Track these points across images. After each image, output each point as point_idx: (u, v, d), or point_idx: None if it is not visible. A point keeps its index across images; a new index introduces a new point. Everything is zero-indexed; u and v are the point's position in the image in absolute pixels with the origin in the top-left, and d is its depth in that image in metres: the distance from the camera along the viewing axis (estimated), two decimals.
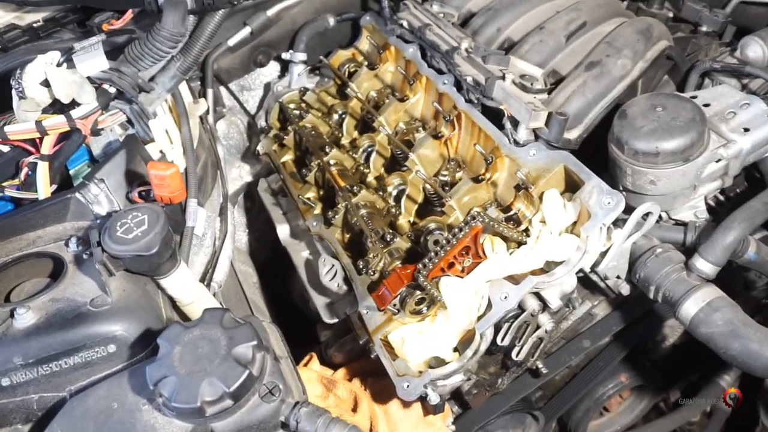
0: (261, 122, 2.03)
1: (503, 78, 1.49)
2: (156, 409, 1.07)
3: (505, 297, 1.32)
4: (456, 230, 1.33)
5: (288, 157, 1.94)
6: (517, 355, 1.42)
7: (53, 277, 1.34)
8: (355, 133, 1.92)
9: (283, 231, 1.92)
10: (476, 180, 1.52)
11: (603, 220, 1.26)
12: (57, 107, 1.53)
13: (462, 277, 1.36)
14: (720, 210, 1.56)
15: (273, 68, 2.10)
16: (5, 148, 1.59)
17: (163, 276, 1.32)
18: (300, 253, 1.86)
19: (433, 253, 1.34)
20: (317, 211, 1.74)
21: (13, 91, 1.41)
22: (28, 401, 1.18)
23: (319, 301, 1.72)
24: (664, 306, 1.66)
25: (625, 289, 1.46)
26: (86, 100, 1.42)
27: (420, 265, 1.35)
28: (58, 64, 1.42)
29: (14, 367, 1.15)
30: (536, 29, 1.62)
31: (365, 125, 1.89)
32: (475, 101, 1.58)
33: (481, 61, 1.55)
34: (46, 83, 1.41)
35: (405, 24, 1.80)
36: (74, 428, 1.08)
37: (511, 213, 1.44)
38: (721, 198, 1.58)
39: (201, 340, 1.07)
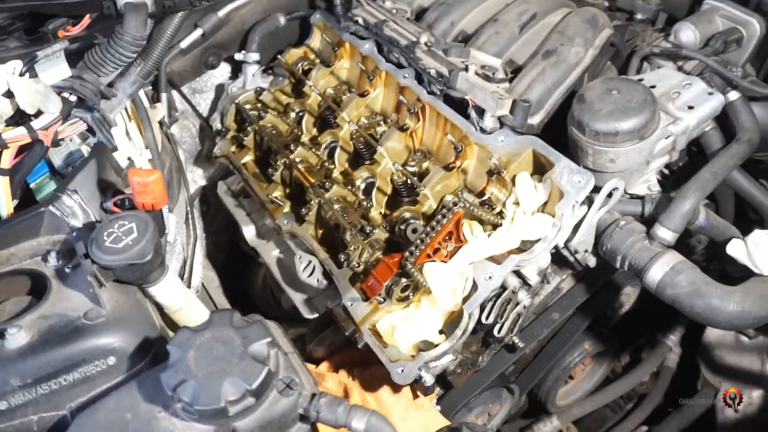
0: (216, 124, 2.01)
1: (466, 69, 1.56)
2: (173, 416, 1.07)
3: (490, 277, 1.39)
4: (439, 217, 1.39)
5: (248, 157, 1.94)
6: (498, 332, 1.49)
7: (33, 295, 1.31)
8: (314, 131, 1.93)
9: (249, 232, 1.92)
10: (447, 168, 1.58)
11: (576, 197, 1.35)
12: (15, 119, 1.47)
13: (445, 262, 1.43)
14: (665, 183, 1.70)
15: (224, 69, 2.08)
16: None
17: (152, 284, 1.31)
18: (270, 253, 1.87)
19: (418, 240, 1.39)
20: (286, 209, 1.75)
21: None
22: (27, 423, 1.15)
23: (297, 298, 1.73)
24: (622, 275, 1.80)
25: (591, 262, 1.56)
26: (52, 109, 1.38)
27: (407, 253, 1.39)
28: (21, 74, 1.37)
29: (12, 390, 1.12)
30: (490, 21, 1.70)
31: (323, 122, 1.91)
32: (438, 93, 1.64)
33: (442, 53, 1.61)
34: (7, 94, 1.35)
35: (360, 21, 1.83)
36: None
37: (485, 197, 1.51)
38: (666, 172, 1.72)
39: (214, 342, 1.08)
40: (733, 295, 1.34)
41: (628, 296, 1.87)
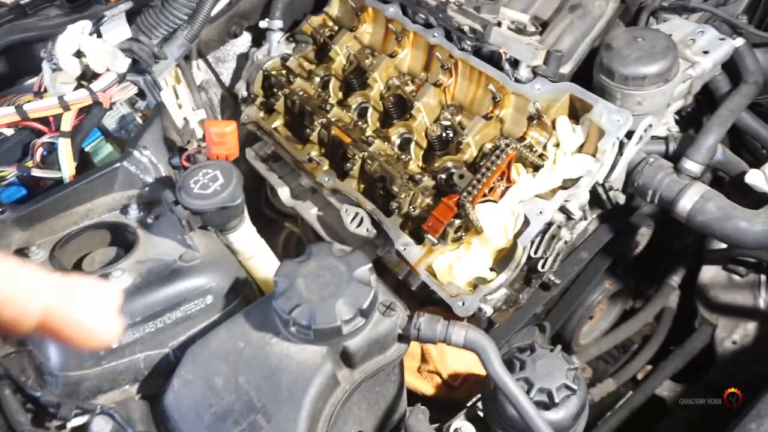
0: (242, 92, 2.06)
1: (499, 24, 1.66)
2: (285, 340, 1.14)
3: (540, 212, 1.51)
4: (493, 158, 1.49)
5: (278, 122, 1.99)
6: (542, 267, 1.62)
7: (116, 245, 1.35)
8: (340, 94, 2.01)
9: (284, 193, 1.98)
10: (486, 118, 1.68)
11: (617, 134, 1.48)
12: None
13: (496, 202, 1.53)
14: (679, 125, 1.85)
15: (245, 39, 2.12)
16: (8, 132, 1.54)
17: (232, 230, 1.37)
18: (309, 211, 1.93)
19: (475, 181, 1.50)
20: (326, 167, 1.83)
21: (45, 64, 1.37)
22: (135, 361, 1.20)
23: None
24: (638, 217, 1.94)
25: (621, 199, 1.70)
26: (120, 69, 1.42)
27: (464, 193, 1.49)
28: (90, 34, 1.40)
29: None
30: None
31: (347, 86, 1.99)
32: (469, 49, 1.74)
33: (474, 11, 1.71)
34: (77, 54, 1.38)
35: None
36: (206, 370, 1.12)
37: (526, 142, 1.62)
38: (676, 117, 1.87)
39: (319, 270, 1.15)
40: (758, 217, 1.49)
41: (643, 236, 2.01)
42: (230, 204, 1.25)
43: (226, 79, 2.16)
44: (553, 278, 1.74)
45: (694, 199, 1.54)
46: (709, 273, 2.41)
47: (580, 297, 1.97)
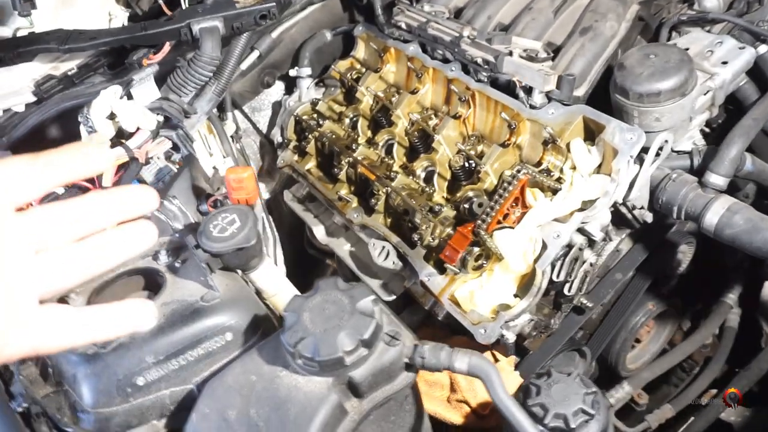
0: (277, 138, 2.17)
1: (511, 54, 1.69)
2: (294, 373, 1.19)
3: (558, 235, 1.50)
4: (506, 184, 1.51)
5: (311, 164, 2.08)
6: (569, 290, 1.60)
7: (149, 290, 1.45)
8: (369, 133, 2.08)
9: (319, 232, 2.06)
10: (503, 146, 1.70)
11: (630, 152, 1.46)
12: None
13: (513, 228, 1.54)
14: (708, 140, 1.80)
15: (278, 87, 2.24)
16: (60, 190, 1.68)
17: (252, 270, 1.44)
18: (342, 247, 2.00)
19: (488, 208, 1.51)
20: (354, 204, 1.89)
21: (82, 127, 1.51)
22: (161, 397, 1.28)
23: (374, 284, 1.85)
24: (676, 234, 1.89)
25: (648, 217, 1.66)
26: (150, 127, 1.54)
27: (479, 221, 1.51)
28: (121, 97, 1.54)
29: (147, 366, 1.26)
30: (526, 10, 1.84)
31: (376, 124, 2.06)
32: (485, 80, 1.77)
33: (486, 43, 1.75)
34: (110, 116, 1.52)
35: (403, 25, 1.98)
36: (222, 403, 1.18)
37: (542, 167, 1.63)
38: (707, 130, 1.82)
39: (324, 303, 1.20)
40: None
41: (684, 254, 1.94)
42: (245, 245, 1.33)
43: (263, 126, 2.28)
44: (585, 302, 1.71)
45: (720, 212, 1.49)
46: None
47: (621, 320, 1.92)
